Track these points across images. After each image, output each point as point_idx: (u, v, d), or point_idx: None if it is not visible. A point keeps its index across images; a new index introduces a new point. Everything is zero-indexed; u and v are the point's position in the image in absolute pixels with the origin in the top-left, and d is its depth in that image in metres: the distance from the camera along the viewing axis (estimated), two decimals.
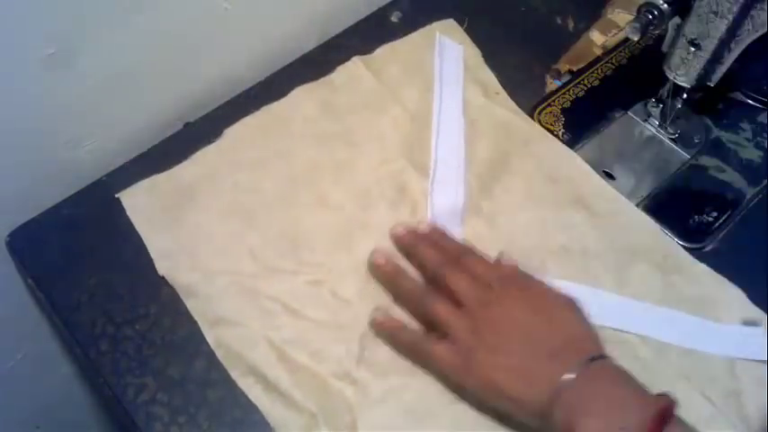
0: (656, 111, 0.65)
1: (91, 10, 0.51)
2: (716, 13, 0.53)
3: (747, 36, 0.54)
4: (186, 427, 0.49)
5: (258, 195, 0.58)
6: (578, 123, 0.65)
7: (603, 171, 0.62)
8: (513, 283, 0.50)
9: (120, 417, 0.51)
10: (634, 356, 0.51)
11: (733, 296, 0.55)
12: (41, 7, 0.48)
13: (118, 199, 0.59)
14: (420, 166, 0.60)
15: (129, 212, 0.57)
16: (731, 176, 0.62)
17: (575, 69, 0.69)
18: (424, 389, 0.50)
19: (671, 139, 0.65)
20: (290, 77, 0.67)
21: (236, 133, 0.62)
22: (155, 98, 0.62)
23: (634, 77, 0.69)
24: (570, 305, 0.48)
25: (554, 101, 0.67)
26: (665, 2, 0.55)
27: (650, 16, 0.55)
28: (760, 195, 0.61)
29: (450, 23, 0.71)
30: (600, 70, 0.69)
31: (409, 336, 0.50)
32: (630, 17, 0.58)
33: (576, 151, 0.63)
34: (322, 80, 0.66)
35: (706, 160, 0.64)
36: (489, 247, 0.54)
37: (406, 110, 0.64)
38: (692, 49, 0.56)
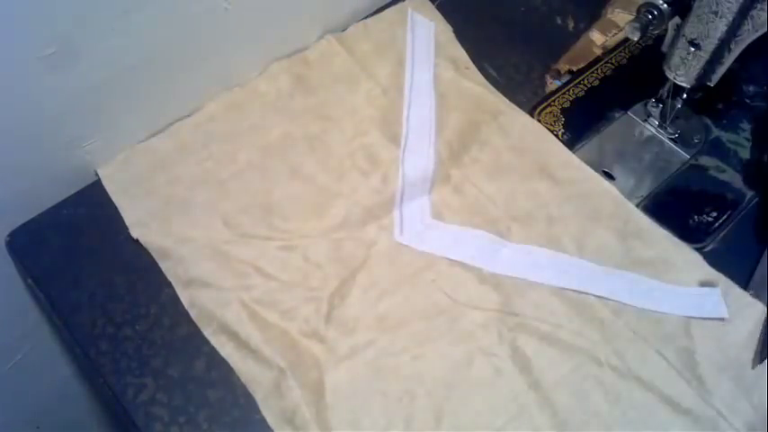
0: (656, 111, 0.65)
1: (91, 10, 0.51)
2: (716, 13, 0.53)
3: (747, 36, 0.54)
4: (186, 427, 0.49)
5: (231, 166, 0.60)
6: (578, 123, 0.65)
7: (603, 171, 0.62)
8: None
9: (120, 417, 0.51)
10: (592, 317, 0.53)
11: (691, 259, 0.57)
12: (41, 7, 0.48)
13: None
14: (392, 137, 0.62)
15: (104, 183, 0.59)
16: (731, 176, 0.62)
17: (575, 69, 0.69)
18: (388, 345, 0.52)
19: (671, 139, 0.65)
20: None
21: (211, 107, 0.63)
22: (155, 98, 0.62)
23: (634, 77, 0.69)
24: None
25: (554, 101, 0.67)
26: (665, 2, 0.55)
27: (650, 16, 0.55)
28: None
29: (422, 0, 0.72)
30: (600, 70, 0.69)
31: None
32: (630, 17, 0.57)
33: (575, 151, 0.63)
34: (296, 56, 0.67)
35: (706, 160, 0.64)
36: (457, 215, 0.58)
37: (379, 84, 0.66)
38: (692, 49, 0.56)
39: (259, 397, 0.50)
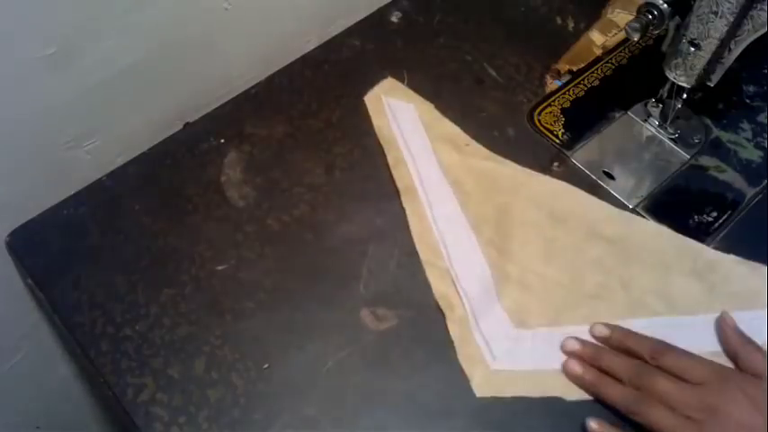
0: (656, 111, 0.65)
1: (91, 10, 0.51)
2: (716, 13, 0.53)
3: (747, 36, 0.54)
4: (186, 427, 0.49)
5: None
6: (578, 123, 0.65)
7: (603, 171, 0.62)
8: (728, 378, 0.48)
9: (120, 417, 0.51)
10: None
11: None
12: (41, 7, 0.48)
13: (118, 199, 0.59)
14: (429, 247, 0.58)
15: None
16: (731, 176, 0.62)
17: (575, 69, 0.69)
18: None
19: (671, 139, 0.65)
20: (290, 77, 0.68)
21: None
22: (155, 98, 0.62)
23: (634, 77, 0.69)
24: None
25: (554, 101, 0.67)
26: (665, 2, 0.55)
27: (650, 16, 0.55)
28: (760, 195, 0.61)
29: (391, 83, 0.67)
30: (600, 70, 0.69)
31: None
32: (630, 17, 0.57)
33: (575, 151, 0.63)
34: None
35: (706, 160, 0.64)
36: (536, 315, 0.54)
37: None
38: (692, 49, 0.56)
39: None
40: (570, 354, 0.52)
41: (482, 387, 0.51)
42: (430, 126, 0.64)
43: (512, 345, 0.53)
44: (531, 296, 0.56)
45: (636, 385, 0.49)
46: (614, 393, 0.49)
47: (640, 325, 0.53)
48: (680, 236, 0.58)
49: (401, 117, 0.65)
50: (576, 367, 0.51)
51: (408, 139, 0.63)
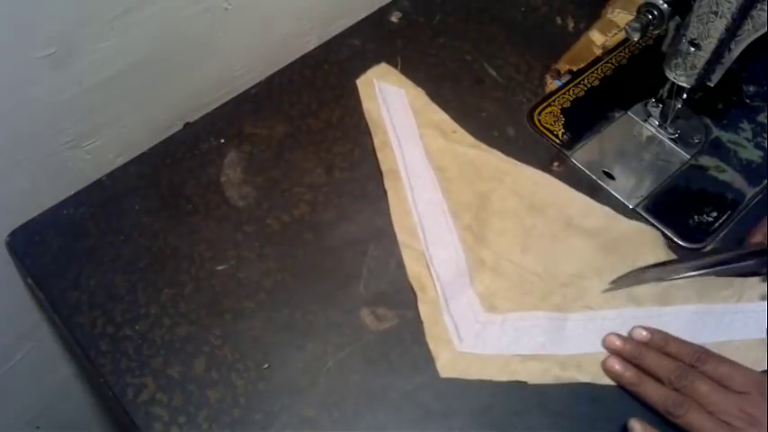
0: (656, 111, 0.65)
1: (91, 10, 0.51)
2: (716, 13, 0.53)
3: (747, 36, 0.54)
4: (186, 427, 0.49)
5: None
6: (578, 123, 0.65)
7: (603, 171, 0.62)
8: None
9: (120, 417, 0.51)
10: None
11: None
12: (41, 7, 0.48)
13: (118, 199, 0.59)
14: (407, 230, 0.58)
15: None
16: (731, 176, 0.62)
17: (575, 69, 0.69)
18: None
19: (671, 139, 0.65)
20: (290, 77, 0.68)
21: None
22: (155, 98, 0.62)
23: (634, 77, 0.69)
24: None
25: (554, 101, 0.67)
26: (665, 2, 0.55)
27: (650, 16, 0.55)
28: (760, 195, 0.61)
29: (384, 68, 0.68)
30: (600, 70, 0.69)
31: None
32: (630, 17, 0.57)
33: (575, 151, 0.63)
34: None
35: (706, 160, 0.64)
36: (508, 301, 0.55)
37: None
38: (692, 49, 0.56)
39: None
40: (611, 351, 0.52)
41: (447, 368, 0.52)
42: (419, 112, 0.65)
43: (480, 328, 0.54)
44: (503, 282, 0.56)
45: (676, 387, 0.49)
46: (654, 393, 0.50)
47: (610, 315, 0.54)
48: (656, 230, 0.59)
49: (391, 101, 0.66)
50: (617, 365, 0.51)
51: (396, 124, 0.64)
